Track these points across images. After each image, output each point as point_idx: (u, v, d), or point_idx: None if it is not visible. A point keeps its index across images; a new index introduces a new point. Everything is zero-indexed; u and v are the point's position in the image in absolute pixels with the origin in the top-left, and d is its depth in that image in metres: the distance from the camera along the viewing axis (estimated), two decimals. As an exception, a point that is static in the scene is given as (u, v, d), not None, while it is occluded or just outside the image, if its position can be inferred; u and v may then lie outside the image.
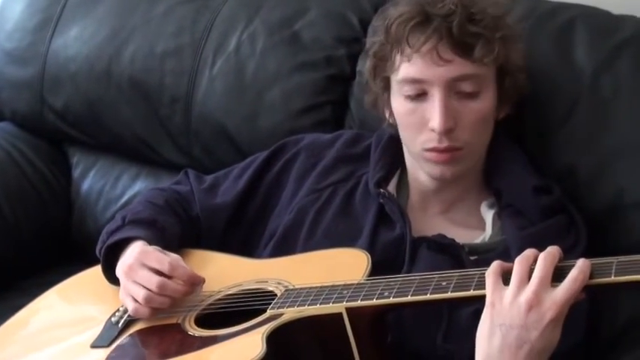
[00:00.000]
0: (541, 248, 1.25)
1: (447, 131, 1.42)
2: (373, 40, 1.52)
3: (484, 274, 1.24)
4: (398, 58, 1.45)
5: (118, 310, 1.48)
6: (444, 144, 1.43)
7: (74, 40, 2.04)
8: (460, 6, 1.42)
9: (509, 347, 1.18)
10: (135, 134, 2.00)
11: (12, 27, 2.13)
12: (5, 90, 2.13)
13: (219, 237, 1.63)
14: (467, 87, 1.43)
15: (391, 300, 1.28)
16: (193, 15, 1.95)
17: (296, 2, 1.88)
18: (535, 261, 1.22)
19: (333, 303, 1.30)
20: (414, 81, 1.44)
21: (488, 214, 1.51)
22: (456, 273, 1.29)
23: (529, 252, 1.24)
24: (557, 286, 1.19)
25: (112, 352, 1.39)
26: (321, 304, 1.31)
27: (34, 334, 1.52)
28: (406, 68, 1.44)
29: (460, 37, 1.41)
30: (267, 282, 1.44)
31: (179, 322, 1.41)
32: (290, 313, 1.32)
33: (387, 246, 1.48)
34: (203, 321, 1.41)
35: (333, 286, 1.34)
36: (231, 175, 1.68)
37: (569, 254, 1.33)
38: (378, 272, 1.38)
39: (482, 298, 1.23)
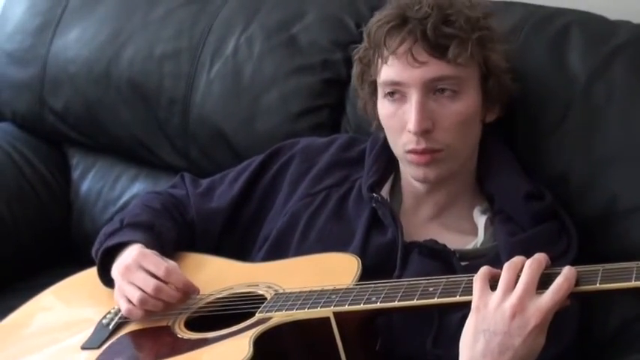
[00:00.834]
0: (531, 254, 1.25)
1: (424, 132, 1.43)
2: (360, 45, 1.53)
3: (472, 280, 1.25)
4: (379, 61, 1.47)
5: (109, 312, 1.49)
6: (422, 145, 1.43)
7: (74, 43, 2.06)
8: (436, 8, 1.44)
9: (492, 353, 1.18)
10: (133, 136, 2.01)
11: (13, 29, 2.14)
12: (6, 91, 2.15)
13: (215, 240, 1.64)
14: (445, 88, 1.43)
15: (378, 305, 1.29)
16: (192, 18, 1.96)
17: (293, 6, 1.89)
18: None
19: (321, 307, 1.31)
20: (392, 83, 1.45)
21: (480, 220, 1.51)
22: (443, 279, 1.30)
23: (517, 259, 1.25)
24: (542, 293, 1.19)
25: (101, 354, 1.40)
26: (309, 308, 1.32)
27: (27, 336, 1.53)
28: (385, 71, 1.46)
29: (434, 38, 1.42)
30: (257, 285, 1.45)
31: (169, 324, 1.42)
32: (278, 317, 1.33)
33: (379, 250, 1.48)
34: (194, 324, 1.42)
35: (321, 290, 1.35)
36: (227, 179, 1.69)
37: (560, 260, 1.34)
38: (370, 276, 1.38)
39: (471, 303, 1.23)
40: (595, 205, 1.53)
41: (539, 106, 1.57)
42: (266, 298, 1.40)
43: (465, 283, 1.26)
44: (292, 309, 1.33)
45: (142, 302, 1.42)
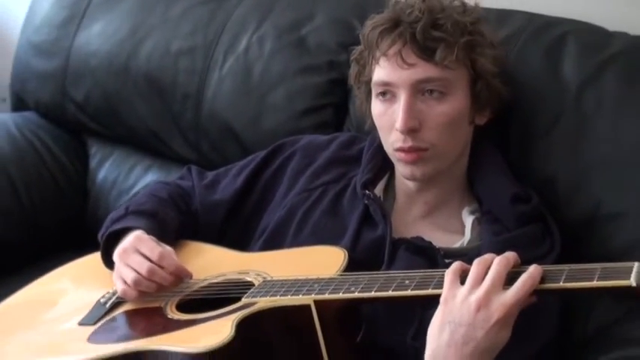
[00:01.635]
0: (513, 255, 1.29)
1: (411, 131, 1.47)
2: (357, 47, 1.58)
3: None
4: (372, 62, 1.52)
5: (108, 292, 1.56)
6: (408, 144, 1.48)
7: (96, 37, 2.14)
8: (427, 13, 1.48)
9: (455, 343, 1.22)
10: (148, 128, 2.08)
11: (40, 22, 2.23)
12: (31, 81, 2.23)
13: (217, 230, 1.70)
14: (433, 89, 1.48)
15: (356, 295, 1.33)
16: (208, 16, 2.02)
17: (305, 7, 1.94)
18: (494, 264, 1.27)
19: (302, 295, 1.36)
20: (383, 84, 1.50)
21: (468, 220, 1.55)
22: (420, 272, 1.34)
23: (488, 255, 1.29)
24: (508, 289, 1.23)
25: (95, 330, 1.47)
26: (292, 295, 1.37)
27: (30, 314, 1.60)
28: (377, 72, 1.51)
29: (423, 41, 1.47)
30: (248, 273, 1.50)
31: (162, 306, 1.48)
32: (262, 302, 1.38)
33: (368, 245, 1.53)
34: (186, 306, 1.48)
35: (306, 279, 1.40)
36: (231, 172, 1.74)
37: (542, 261, 1.36)
38: (360, 270, 1.42)
39: None
40: (581, 209, 1.56)
41: (531, 111, 1.60)
42: (254, 285, 1.45)
43: (439, 278, 1.30)
44: (276, 295, 1.38)
45: (136, 283, 1.49)
